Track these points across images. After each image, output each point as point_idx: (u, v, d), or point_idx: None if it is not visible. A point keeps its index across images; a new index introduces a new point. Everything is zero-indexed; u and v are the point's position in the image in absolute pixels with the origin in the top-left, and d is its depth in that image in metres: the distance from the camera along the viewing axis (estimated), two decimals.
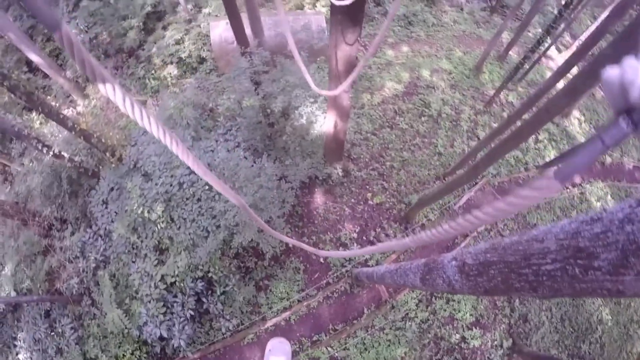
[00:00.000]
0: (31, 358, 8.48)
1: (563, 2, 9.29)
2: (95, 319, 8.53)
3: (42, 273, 9.19)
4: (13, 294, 8.94)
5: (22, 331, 8.80)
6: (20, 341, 8.72)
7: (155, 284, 7.65)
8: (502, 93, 12.26)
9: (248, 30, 9.12)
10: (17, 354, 8.69)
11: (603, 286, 1.10)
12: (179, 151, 1.29)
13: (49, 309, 9.04)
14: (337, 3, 3.25)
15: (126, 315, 7.99)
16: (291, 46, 2.83)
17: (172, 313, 7.80)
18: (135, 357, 8.06)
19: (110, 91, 1.04)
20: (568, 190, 11.59)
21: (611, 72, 0.61)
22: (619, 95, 0.61)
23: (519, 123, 11.31)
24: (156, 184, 7.66)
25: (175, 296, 7.95)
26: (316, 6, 13.54)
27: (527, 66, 11.84)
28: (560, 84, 13.18)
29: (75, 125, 7.83)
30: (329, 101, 6.68)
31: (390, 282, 4.65)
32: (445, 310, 8.94)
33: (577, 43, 15.14)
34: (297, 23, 10.22)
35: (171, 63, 12.25)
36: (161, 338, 7.63)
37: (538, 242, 1.37)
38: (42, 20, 0.83)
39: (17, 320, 9.21)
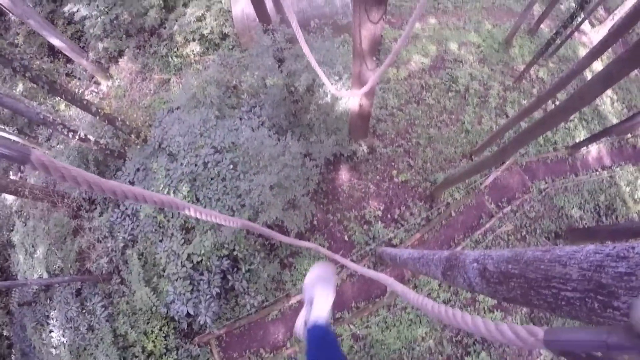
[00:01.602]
0: (64, 335, 8.79)
1: None
2: (125, 296, 8.78)
3: (73, 254, 9.47)
4: (45, 275, 9.26)
5: (55, 310, 9.12)
6: (53, 319, 9.05)
7: (182, 262, 7.80)
8: (532, 68, 11.75)
9: (269, 5, 8.91)
10: (50, 332, 9.02)
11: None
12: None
13: (80, 287, 9.35)
14: None
15: (154, 293, 8.23)
16: (300, 40, 2.65)
17: (198, 290, 7.95)
18: (163, 333, 8.28)
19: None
20: (597, 172, 11.14)
21: None
22: None
23: (549, 103, 11.02)
24: (181, 164, 7.72)
25: (202, 274, 8.07)
26: None
27: (558, 41, 11.25)
28: (596, 64, 12.64)
29: (99, 110, 7.90)
30: (353, 79, 6.49)
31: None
32: (467, 292, 8.83)
33: (611, 17, 14.27)
34: None
35: (193, 40, 12.13)
36: (188, 315, 7.80)
37: (561, 266, 1.32)
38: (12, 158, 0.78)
39: (50, 300, 9.55)
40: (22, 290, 10.02)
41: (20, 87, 13.54)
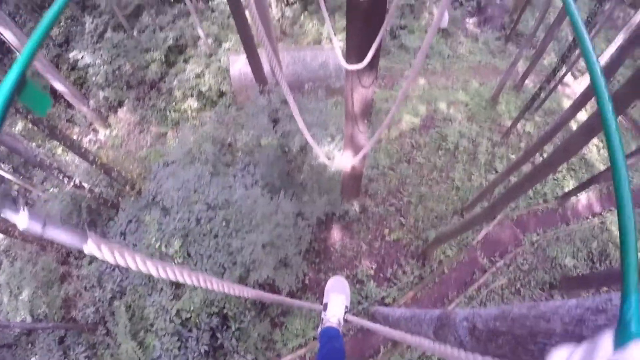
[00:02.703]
0: None
1: None
2: (109, 348, 8.54)
3: (59, 300, 9.32)
4: (29, 319, 9.04)
5: (37, 355, 8.84)
6: None
7: (170, 318, 7.65)
8: (519, 123, 12.15)
9: (266, 66, 9.29)
10: None
11: None
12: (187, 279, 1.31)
13: (63, 335, 9.10)
14: (350, 67, 3.29)
15: (140, 348, 8.00)
16: (291, 105, 2.83)
17: (186, 347, 7.74)
18: None
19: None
20: (588, 220, 11.26)
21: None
22: None
23: (537, 156, 11.33)
24: (174, 219, 7.73)
25: (190, 330, 7.90)
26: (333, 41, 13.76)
27: (543, 95, 11.73)
28: (580, 114, 13.10)
29: (96, 159, 8.02)
30: (346, 141, 6.70)
31: (404, 329, 4.54)
32: None
33: None
34: (315, 61, 10.38)
35: (192, 96, 12.53)
36: None
37: (545, 322, 1.38)
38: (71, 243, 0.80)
39: (32, 344, 9.28)
40: (3, 332, 9.69)
41: (19, 126, 13.65)
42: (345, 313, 2.80)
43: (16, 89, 0.65)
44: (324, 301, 2.91)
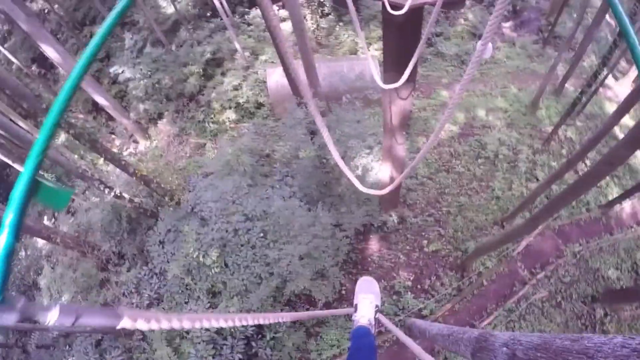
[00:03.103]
0: None
1: (617, 31, 8.88)
2: (145, 353, 8.64)
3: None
4: None
5: (73, 357, 9.08)
6: None
7: None
8: (560, 129, 11.72)
9: (303, 77, 9.36)
10: None
11: None
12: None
13: (100, 338, 9.30)
14: (387, 87, 3.23)
15: (175, 354, 8.08)
16: (319, 124, 2.80)
17: (220, 355, 7.78)
18: None
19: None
20: (632, 229, 10.67)
21: None
22: None
23: (580, 166, 10.86)
24: (212, 229, 7.86)
25: (225, 339, 7.94)
26: (369, 50, 13.75)
27: (584, 99, 11.27)
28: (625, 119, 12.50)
29: (136, 171, 8.26)
30: (384, 153, 6.64)
31: (442, 345, 4.41)
32: None
33: (634, 69, 14.25)
34: (351, 72, 10.38)
35: (229, 108, 12.79)
36: None
37: (588, 359, 1.27)
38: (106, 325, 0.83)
39: (69, 346, 9.50)
40: (42, 333, 10.04)
41: (62, 137, 14.29)
42: (376, 312, 2.80)
43: (28, 197, 0.65)
44: (354, 302, 2.89)
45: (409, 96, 5.07)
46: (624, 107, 6.99)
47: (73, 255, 10.81)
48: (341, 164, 3.13)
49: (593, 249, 10.04)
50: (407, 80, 4.67)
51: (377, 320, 2.81)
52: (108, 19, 0.84)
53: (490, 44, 1.72)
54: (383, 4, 3.04)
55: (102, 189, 8.45)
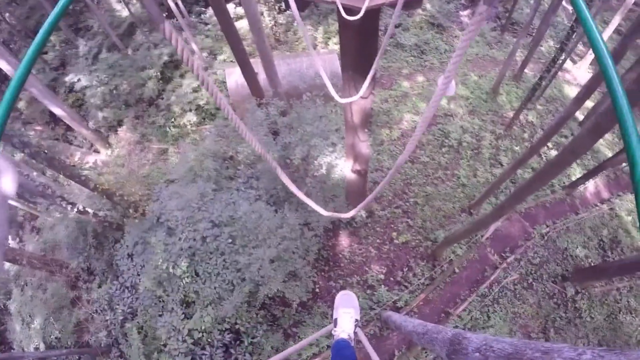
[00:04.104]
0: None
1: (574, 17, 9.15)
2: None
3: (71, 325, 9.31)
4: (42, 346, 9.08)
5: None
6: None
7: (182, 338, 7.61)
8: (521, 114, 12.03)
9: (262, 75, 9.22)
10: None
11: None
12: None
13: (77, 358, 9.09)
14: (344, 101, 3.17)
15: None
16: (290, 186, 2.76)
17: None
18: None
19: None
20: (597, 207, 11.10)
21: None
22: None
23: (542, 153, 11.18)
24: (179, 239, 7.67)
25: (203, 348, 7.84)
26: (328, 44, 13.68)
27: (544, 84, 11.60)
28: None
29: (97, 186, 8.01)
30: (347, 150, 6.63)
31: (417, 342, 4.47)
32: None
33: (590, 52, 14.78)
34: (311, 69, 10.27)
35: (190, 110, 12.54)
36: None
37: None
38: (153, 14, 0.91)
39: None
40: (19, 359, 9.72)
41: (19, 156, 13.70)
42: (355, 326, 2.83)
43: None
44: (334, 317, 2.94)
45: (369, 95, 5.04)
46: (585, 94, 7.21)
47: (41, 275, 10.45)
48: (300, 195, 3.09)
49: (560, 230, 10.38)
50: (366, 78, 4.67)
51: (356, 334, 2.83)
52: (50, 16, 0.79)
53: (453, 82, 1.71)
54: (338, 9, 2.98)
55: (64, 205, 8.15)
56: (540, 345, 1.54)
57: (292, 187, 2.76)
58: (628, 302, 9.67)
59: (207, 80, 1.29)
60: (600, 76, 6.88)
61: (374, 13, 3.66)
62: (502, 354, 1.82)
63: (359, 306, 3.02)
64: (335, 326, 2.83)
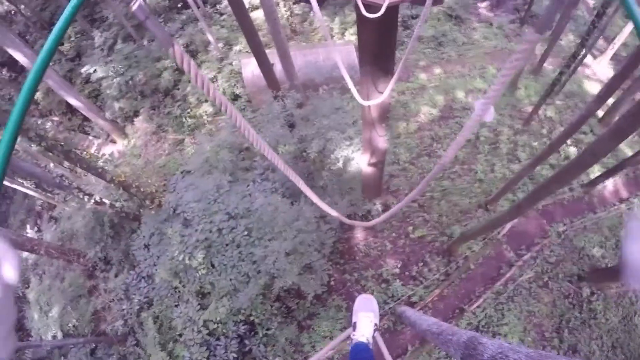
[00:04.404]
0: None
1: (595, 12, 8.89)
2: (140, 358, 8.63)
3: (88, 314, 9.49)
4: (60, 334, 9.25)
5: None
6: None
7: (197, 328, 7.70)
8: (540, 108, 11.80)
9: (278, 67, 9.15)
10: None
11: None
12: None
13: (94, 347, 9.25)
14: (366, 103, 3.12)
15: (170, 358, 8.08)
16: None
17: (215, 356, 7.80)
18: None
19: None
20: (615, 207, 10.84)
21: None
22: None
23: (561, 150, 10.93)
24: (196, 230, 7.72)
25: (218, 339, 7.94)
26: (344, 35, 13.52)
27: (563, 79, 11.33)
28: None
29: (114, 178, 8.07)
30: (364, 144, 6.57)
31: (432, 342, 4.45)
32: None
33: (611, 47, 14.40)
34: (327, 61, 10.13)
35: (206, 101, 12.51)
36: None
37: None
38: (161, 38, 1.05)
39: (64, 357, 9.43)
40: (36, 347, 9.96)
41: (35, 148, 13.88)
42: (374, 330, 2.82)
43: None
44: (353, 320, 2.93)
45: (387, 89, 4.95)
46: (606, 92, 7.03)
47: (59, 265, 10.63)
48: (317, 201, 3.06)
49: (577, 228, 10.17)
50: (385, 71, 4.58)
51: (374, 339, 2.83)
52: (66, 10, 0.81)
53: (492, 107, 1.66)
54: (356, 5, 2.90)
55: (81, 197, 8.24)
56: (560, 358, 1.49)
57: (313, 197, 2.76)
58: None
59: (219, 96, 1.32)
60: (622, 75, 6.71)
61: (393, 9, 3.58)
62: None
63: (378, 310, 3.00)
64: (354, 330, 2.82)
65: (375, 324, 2.85)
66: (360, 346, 2.63)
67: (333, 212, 3.36)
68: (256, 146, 1.61)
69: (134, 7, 0.96)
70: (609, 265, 9.79)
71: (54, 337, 9.36)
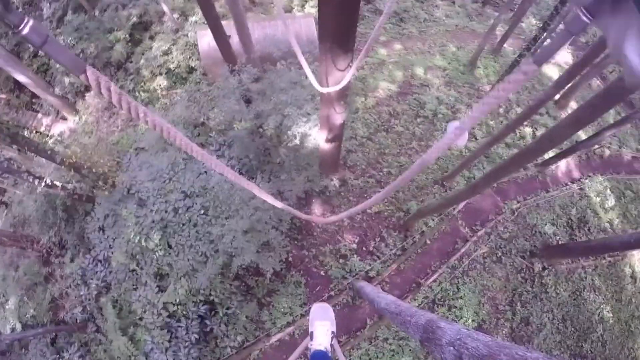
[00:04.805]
0: None
1: None
2: (102, 344, 8.53)
3: (45, 303, 9.27)
4: (18, 326, 9.00)
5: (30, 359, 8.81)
6: None
7: (157, 311, 7.64)
8: None
9: (235, 39, 8.84)
10: None
11: None
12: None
13: (54, 337, 9.05)
14: (324, 90, 3.04)
15: (131, 342, 8.01)
16: None
17: (176, 337, 7.81)
18: None
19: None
20: (567, 186, 11.40)
21: None
22: None
23: (520, 130, 11.25)
24: (151, 211, 7.56)
25: (179, 321, 7.92)
26: (304, 7, 13.21)
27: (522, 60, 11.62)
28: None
29: (64, 160, 7.73)
30: (322, 121, 6.53)
31: (390, 321, 4.58)
32: (447, 318, 8.84)
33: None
34: (286, 34, 9.86)
35: (160, 74, 12.03)
36: None
37: None
38: (67, 65, 0.97)
39: (25, 349, 9.23)
40: None
41: None
42: (332, 339, 2.86)
43: None
44: (310, 330, 2.95)
45: (347, 67, 4.85)
46: (566, 79, 7.25)
47: (12, 252, 10.20)
48: (278, 204, 3.04)
49: (530, 206, 10.63)
50: (344, 50, 4.49)
51: (332, 347, 2.86)
52: None
53: (466, 133, 1.64)
54: None
55: (31, 180, 7.86)
56: (514, 352, 1.55)
57: (269, 198, 2.75)
58: (592, 280, 10.13)
59: (152, 118, 1.27)
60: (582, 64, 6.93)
61: None
62: (476, 353, 1.83)
63: (334, 318, 3.04)
64: (311, 339, 2.84)
65: (332, 332, 2.88)
66: (319, 354, 2.67)
67: (292, 210, 3.35)
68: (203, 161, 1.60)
69: (25, 30, 0.86)
70: (560, 242, 10.36)
71: (13, 329, 9.11)
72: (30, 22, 0.88)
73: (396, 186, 2.25)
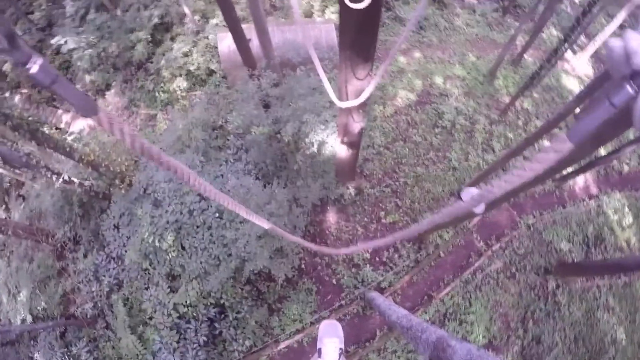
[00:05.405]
0: None
1: (581, 10, 8.91)
2: (110, 341, 8.60)
3: (57, 297, 9.37)
4: (29, 317, 9.12)
5: (39, 352, 8.91)
6: None
7: (168, 311, 7.66)
8: (517, 100, 11.90)
9: (255, 42, 8.86)
10: None
11: None
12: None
13: (64, 330, 9.15)
14: (344, 105, 3.00)
15: (140, 341, 8.06)
16: None
17: (185, 339, 7.83)
18: None
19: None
20: (584, 203, 11.13)
21: (616, 43, 0.75)
22: (623, 63, 0.74)
23: (539, 144, 11.04)
24: (166, 212, 7.58)
25: (189, 322, 7.95)
26: (325, 13, 13.20)
27: (542, 72, 11.43)
28: None
29: (82, 157, 7.83)
30: (340, 129, 6.47)
31: (400, 334, 4.50)
32: (457, 332, 8.73)
33: (592, 43, 14.55)
34: (306, 40, 9.80)
35: (180, 75, 12.13)
36: None
37: None
38: (78, 105, 0.95)
39: (34, 340, 9.33)
40: (5, 331, 9.78)
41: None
42: (340, 355, 2.87)
43: None
44: (318, 346, 2.99)
45: (366, 76, 4.79)
46: (587, 93, 7.09)
47: (27, 245, 10.34)
48: (291, 237, 3.03)
49: (546, 222, 10.39)
50: (364, 58, 4.44)
51: None
52: None
53: (483, 204, 1.63)
54: None
55: (49, 175, 7.97)
56: None
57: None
58: (607, 300, 9.82)
59: (166, 159, 1.29)
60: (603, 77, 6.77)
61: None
62: None
63: (343, 335, 3.04)
64: (319, 356, 2.88)
65: (341, 349, 2.90)
66: None
67: (303, 242, 3.34)
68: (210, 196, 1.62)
69: (34, 69, 0.80)
70: (576, 259, 10.09)
71: (23, 320, 9.22)
72: (39, 62, 0.82)
73: (403, 236, 2.21)
